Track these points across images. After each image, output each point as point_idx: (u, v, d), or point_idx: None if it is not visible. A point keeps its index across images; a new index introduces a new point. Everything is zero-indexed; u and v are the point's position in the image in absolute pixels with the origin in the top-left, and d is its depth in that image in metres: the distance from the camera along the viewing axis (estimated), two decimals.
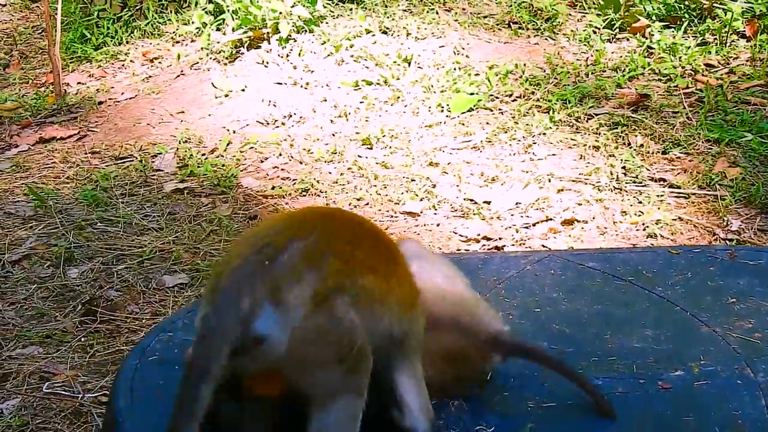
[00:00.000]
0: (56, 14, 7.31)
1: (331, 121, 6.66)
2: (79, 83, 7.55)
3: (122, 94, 7.30)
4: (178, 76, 7.35)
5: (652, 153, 6.20)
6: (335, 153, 6.33)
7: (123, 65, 7.71)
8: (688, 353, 3.36)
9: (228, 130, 6.64)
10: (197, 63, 7.45)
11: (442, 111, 6.67)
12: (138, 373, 3.26)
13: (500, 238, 5.47)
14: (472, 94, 6.79)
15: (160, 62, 7.62)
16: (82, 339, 4.87)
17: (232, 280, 2.58)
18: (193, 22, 7.77)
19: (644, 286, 3.72)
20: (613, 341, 3.42)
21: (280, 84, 7.01)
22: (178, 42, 7.80)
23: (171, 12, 8.04)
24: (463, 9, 7.73)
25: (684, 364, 3.31)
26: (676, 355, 3.36)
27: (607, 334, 3.45)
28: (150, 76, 7.46)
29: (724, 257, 3.90)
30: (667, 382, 3.23)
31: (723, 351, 3.37)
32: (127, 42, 7.93)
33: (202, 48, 7.54)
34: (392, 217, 5.74)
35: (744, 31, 7.37)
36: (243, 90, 7.01)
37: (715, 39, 7.30)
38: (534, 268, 3.82)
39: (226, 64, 7.33)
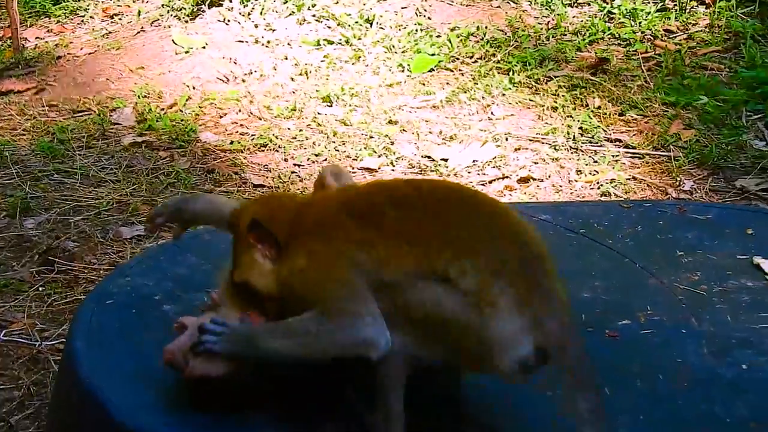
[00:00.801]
0: None
1: (292, 79, 6.70)
2: (37, 38, 7.53)
3: (81, 49, 7.29)
4: (138, 32, 7.35)
5: (609, 115, 6.28)
6: (295, 110, 6.37)
7: (82, 21, 7.69)
8: (636, 303, 3.45)
9: (188, 86, 6.66)
10: (158, 20, 7.44)
11: (403, 71, 6.72)
12: (95, 316, 3.32)
13: None
14: (433, 54, 6.84)
15: (120, 18, 7.61)
16: (40, 288, 4.91)
17: None
18: None
19: (595, 238, 3.80)
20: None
21: (242, 42, 7.04)
22: None
23: None
24: None
25: (631, 313, 3.40)
26: (624, 305, 3.44)
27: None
28: (110, 32, 7.46)
29: (673, 212, 3.98)
30: (615, 331, 3.32)
31: (669, 302, 3.47)
32: None
33: (162, 5, 7.53)
34: (350, 172, 5.78)
35: None
36: (204, 47, 7.03)
37: (675, 5, 7.36)
38: None
39: (186, 21, 7.33)
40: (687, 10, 7.35)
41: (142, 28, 7.40)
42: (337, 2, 7.30)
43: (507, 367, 2.68)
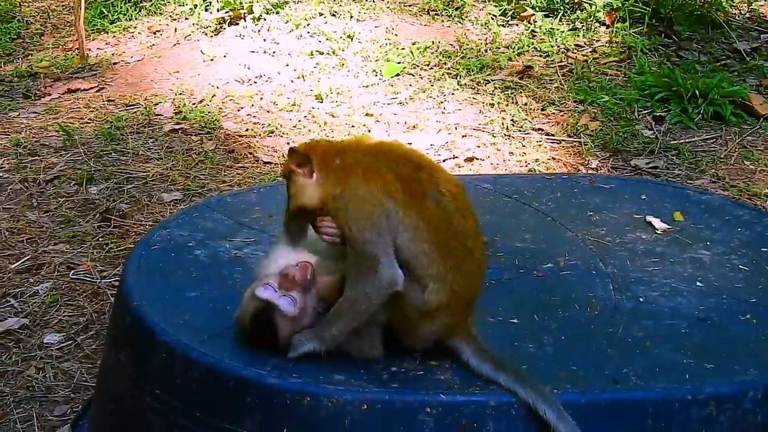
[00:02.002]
0: None
1: (292, 81, 6.62)
2: (98, 49, 7.43)
3: (131, 57, 7.20)
4: (175, 44, 7.25)
5: (534, 110, 6.23)
6: (294, 105, 6.30)
7: (132, 36, 7.60)
8: (556, 251, 3.39)
9: (213, 86, 6.57)
10: (189, 35, 7.35)
11: (376, 75, 6.65)
12: (143, 258, 3.25)
13: None
14: (399, 63, 6.77)
15: (161, 34, 7.51)
16: (100, 239, 4.84)
17: None
18: (186, 4, 7.67)
19: (525, 201, 3.74)
20: (501, 242, 3.43)
21: (253, 52, 6.94)
22: (174, 19, 7.69)
23: None
24: None
25: (553, 259, 3.34)
26: (547, 252, 3.38)
27: (496, 236, 3.46)
28: (153, 45, 7.36)
29: (584, 182, 3.92)
30: (541, 272, 3.27)
31: (582, 250, 3.41)
32: (135, 18, 7.81)
33: (193, 24, 7.44)
34: None
35: (604, 20, 7.39)
36: (225, 56, 6.94)
37: (583, 26, 7.31)
38: None
39: (211, 36, 7.24)
40: (592, 30, 7.29)
41: (178, 41, 7.30)
42: (326, 22, 7.21)
43: (413, 347, 2.77)
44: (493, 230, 3.49)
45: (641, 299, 3.11)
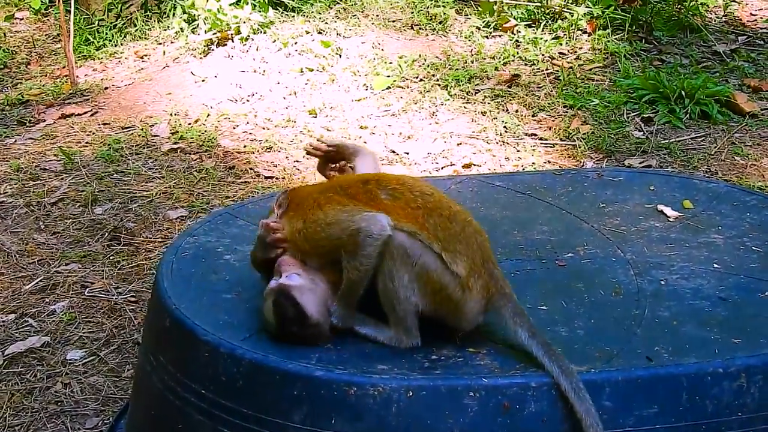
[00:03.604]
0: (69, 23, 7.25)
1: (284, 98, 6.70)
2: (86, 75, 7.47)
3: (122, 81, 7.25)
4: (164, 67, 7.32)
5: (525, 116, 6.35)
6: (289, 121, 6.38)
7: (120, 61, 7.65)
8: (575, 242, 3.48)
9: (207, 106, 6.64)
10: (178, 58, 7.42)
11: (367, 89, 6.74)
12: (174, 264, 3.31)
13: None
14: (388, 76, 6.87)
15: (148, 58, 7.57)
16: (111, 257, 4.89)
17: None
18: (172, 28, 7.74)
19: (538, 197, 3.83)
20: (521, 235, 3.52)
21: (244, 72, 7.02)
22: (161, 43, 7.75)
23: (155, 21, 7.99)
24: (377, 15, 7.78)
25: (573, 248, 3.43)
26: (566, 243, 3.47)
27: (515, 230, 3.55)
28: (142, 68, 7.42)
29: (593, 176, 4.01)
30: (562, 261, 3.35)
31: (599, 239, 3.51)
32: (122, 44, 7.86)
33: (181, 47, 7.51)
34: None
35: (586, 28, 7.53)
36: (215, 77, 7.01)
37: (565, 34, 7.45)
38: (457, 187, 3.89)
39: (201, 58, 7.31)
40: (574, 38, 7.43)
41: (167, 64, 7.37)
42: (314, 40, 7.30)
43: (467, 328, 2.87)
44: (511, 224, 3.59)
45: (662, 282, 3.21)
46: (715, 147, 5.92)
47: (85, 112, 6.71)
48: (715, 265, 3.31)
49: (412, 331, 2.87)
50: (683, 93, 6.35)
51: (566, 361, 2.71)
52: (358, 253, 2.79)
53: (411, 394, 2.68)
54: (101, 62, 7.67)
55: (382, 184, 2.89)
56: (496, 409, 2.69)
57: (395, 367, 2.76)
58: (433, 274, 2.79)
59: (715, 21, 7.97)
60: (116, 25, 8.01)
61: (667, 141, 5.98)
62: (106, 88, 7.11)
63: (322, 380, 2.72)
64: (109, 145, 6.12)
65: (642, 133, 6.11)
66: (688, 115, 6.27)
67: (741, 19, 8.06)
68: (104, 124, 6.50)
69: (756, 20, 8.09)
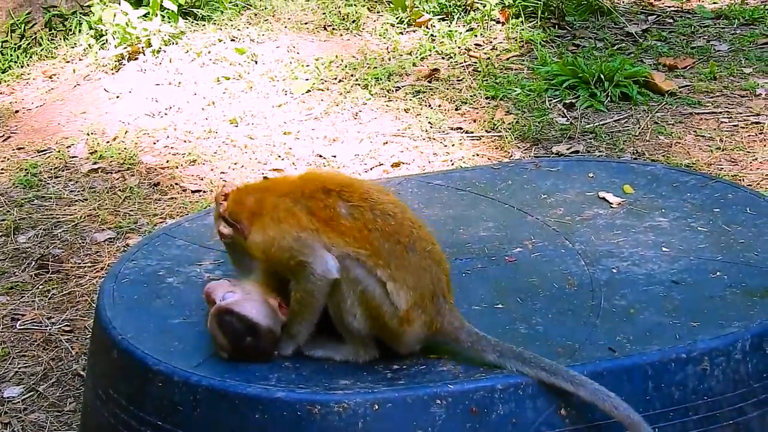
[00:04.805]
0: None
1: (203, 109, 6.55)
2: None
3: (32, 103, 7.02)
4: (76, 86, 7.11)
5: (448, 110, 6.31)
6: (210, 132, 6.25)
7: (28, 83, 7.41)
8: (522, 236, 3.46)
9: (124, 123, 6.46)
10: (89, 75, 7.21)
11: (287, 94, 6.64)
12: (115, 291, 3.20)
13: None
14: (307, 79, 6.78)
15: (58, 77, 7.35)
16: (40, 286, 4.73)
17: None
18: (80, 45, 7.53)
19: (479, 193, 3.79)
20: (466, 234, 3.49)
21: (159, 85, 6.85)
22: (69, 61, 7.53)
23: (60, 39, 7.76)
24: (289, 18, 7.67)
25: (521, 243, 3.41)
26: (513, 238, 3.45)
27: (460, 229, 3.52)
28: (52, 89, 7.20)
29: (531, 167, 3.99)
30: (512, 257, 3.33)
31: (546, 231, 3.49)
32: (28, 65, 7.60)
33: (91, 63, 7.31)
34: (262, 174, 5.71)
35: (499, 18, 7.52)
36: (130, 92, 6.83)
37: (479, 25, 7.42)
38: (396, 188, 3.81)
39: (113, 73, 7.12)
40: (488, 28, 7.42)
41: (78, 83, 7.16)
42: (227, 48, 7.17)
43: (403, 353, 2.81)
44: (455, 223, 3.55)
45: (614, 270, 3.20)
46: (639, 128, 5.95)
47: None
48: (664, 249, 3.31)
49: (368, 343, 2.80)
50: (602, 76, 6.37)
51: (545, 360, 2.66)
52: (301, 284, 2.73)
53: (377, 407, 2.62)
54: (8, 85, 7.43)
55: (344, 197, 2.78)
56: (465, 414, 2.64)
57: (358, 381, 2.70)
58: (372, 302, 2.73)
59: (624, 2, 8.04)
60: (20, 45, 7.76)
61: (591, 125, 6.00)
62: (17, 112, 6.89)
63: (284, 401, 2.64)
64: (26, 170, 5.93)
65: (566, 119, 6.12)
66: (609, 98, 6.30)
67: None
68: (18, 148, 6.30)
69: None
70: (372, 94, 6.53)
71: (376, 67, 6.90)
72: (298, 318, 2.78)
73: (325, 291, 2.72)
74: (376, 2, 7.89)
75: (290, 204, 2.80)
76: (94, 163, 5.97)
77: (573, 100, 6.31)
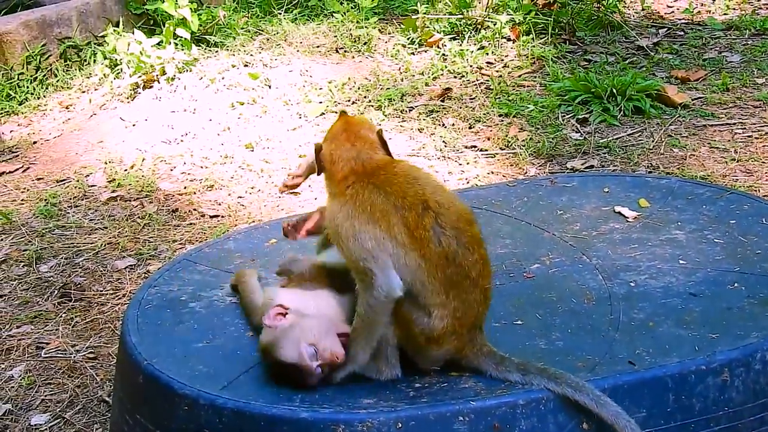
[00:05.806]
0: None
1: (218, 134, 6.61)
2: (12, 131, 7.30)
3: (50, 134, 7.09)
4: (92, 115, 7.19)
5: (462, 129, 6.35)
6: (227, 157, 6.31)
7: (45, 114, 7.49)
8: (539, 252, 3.50)
9: (141, 150, 6.53)
10: (105, 104, 7.29)
11: (301, 117, 6.69)
12: (139, 318, 3.25)
13: None
14: (320, 102, 6.84)
15: (74, 107, 7.42)
16: (63, 315, 4.78)
17: None
18: (95, 74, 7.61)
19: (496, 210, 3.84)
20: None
21: (174, 112, 6.92)
22: (85, 91, 7.61)
23: (76, 69, 7.85)
24: (301, 42, 7.75)
25: (538, 259, 3.45)
26: (531, 254, 3.49)
27: None
28: (69, 119, 7.27)
29: (546, 184, 4.03)
30: (530, 273, 3.37)
31: (563, 247, 3.52)
32: (45, 96, 7.69)
33: (107, 93, 7.38)
34: (279, 196, 5.76)
35: (509, 35, 7.57)
36: (146, 120, 6.90)
37: (490, 44, 7.47)
38: None
39: (128, 102, 7.19)
40: (499, 46, 7.47)
41: (94, 112, 7.24)
42: (241, 73, 7.24)
43: (422, 366, 2.88)
44: None
45: (632, 284, 3.23)
46: (653, 141, 5.98)
47: (17, 169, 6.56)
48: (681, 261, 3.33)
49: (391, 361, 2.84)
50: (614, 91, 6.41)
51: (570, 376, 2.70)
52: (366, 297, 2.77)
53: (400, 425, 2.65)
54: (25, 116, 7.51)
55: (440, 221, 2.80)
56: (487, 430, 2.67)
57: (381, 400, 2.73)
58: (413, 323, 2.79)
59: (634, 16, 8.08)
60: (36, 77, 7.85)
61: (605, 140, 6.03)
62: (35, 143, 6.96)
63: (309, 421, 2.68)
64: (45, 200, 5.99)
65: (579, 134, 6.15)
66: (622, 113, 6.33)
67: (659, 12, 8.18)
68: (38, 179, 6.36)
69: (673, 11, 8.22)
70: (385, 115, 6.58)
71: (388, 88, 6.95)
72: (359, 338, 2.80)
73: (389, 310, 2.76)
74: (386, 24, 7.96)
75: (390, 209, 2.80)
76: (113, 191, 6.03)
77: (586, 115, 6.35)
